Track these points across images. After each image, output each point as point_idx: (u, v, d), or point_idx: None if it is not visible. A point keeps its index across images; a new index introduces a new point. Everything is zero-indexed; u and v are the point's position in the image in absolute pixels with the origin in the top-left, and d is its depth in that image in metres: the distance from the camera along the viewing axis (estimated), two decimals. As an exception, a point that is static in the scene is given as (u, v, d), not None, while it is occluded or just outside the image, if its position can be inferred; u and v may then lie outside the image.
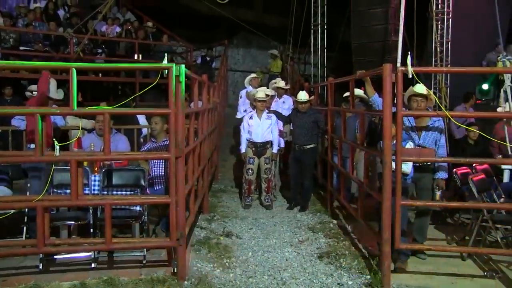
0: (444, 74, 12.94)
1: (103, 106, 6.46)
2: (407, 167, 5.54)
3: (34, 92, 6.93)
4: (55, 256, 5.38)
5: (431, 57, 13.39)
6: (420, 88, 5.62)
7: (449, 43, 13.40)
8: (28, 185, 5.96)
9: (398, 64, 8.60)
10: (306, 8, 15.40)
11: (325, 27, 15.53)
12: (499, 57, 8.69)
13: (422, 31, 13.81)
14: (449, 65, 13.22)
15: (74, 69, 4.64)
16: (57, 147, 4.69)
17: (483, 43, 12.76)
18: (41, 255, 5.15)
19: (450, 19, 13.40)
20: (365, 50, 14.36)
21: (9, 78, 10.86)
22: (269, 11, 19.45)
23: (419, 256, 5.97)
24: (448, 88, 13.23)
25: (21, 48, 11.73)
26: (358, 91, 7.82)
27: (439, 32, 13.44)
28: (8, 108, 7.67)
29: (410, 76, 4.92)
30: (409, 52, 5.25)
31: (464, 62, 11.69)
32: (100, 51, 13.03)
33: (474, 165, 6.73)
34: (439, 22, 13.46)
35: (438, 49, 13.43)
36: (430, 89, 12.59)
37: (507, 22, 14.13)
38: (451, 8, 13.33)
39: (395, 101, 5.08)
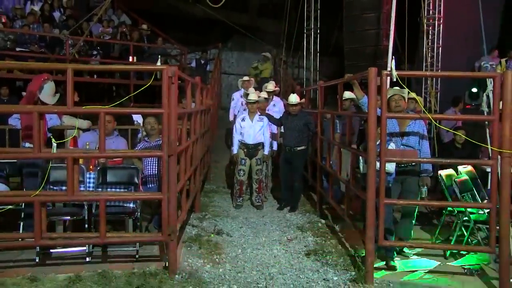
0: (434, 78, 13.20)
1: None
2: (391, 167, 5.76)
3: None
4: (51, 250, 5.57)
5: (423, 62, 13.68)
6: (396, 88, 5.82)
7: (440, 48, 13.68)
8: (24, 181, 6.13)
9: (388, 68, 8.80)
10: (300, 12, 15.60)
11: (318, 31, 15.74)
12: (482, 63, 8.94)
13: (414, 36, 14.08)
14: (439, 70, 13.49)
15: (71, 70, 4.82)
16: (54, 145, 4.87)
17: (475, 48, 12.98)
18: (38, 249, 5.34)
19: (441, 25, 13.69)
20: (358, 54, 14.62)
21: (5, 78, 11.00)
22: (264, 15, 19.65)
23: (404, 253, 6.18)
24: (439, 93, 13.52)
25: (17, 49, 11.86)
26: (350, 94, 8.04)
27: (430, 37, 13.73)
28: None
29: (394, 80, 5.14)
30: (393, 57, 5.45)
31: (455, 66, 11.90)
32: (95, 52, 13.21)
33: (458, 167, 6.95)
34: (430, 28, 13.74)
35: (429, 54, 13.72)
36: (421, 94, 12.94)
37: (498, 27, 14.42)
38: (442, 14, 13.62)
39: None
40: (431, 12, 13.69)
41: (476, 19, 11.49)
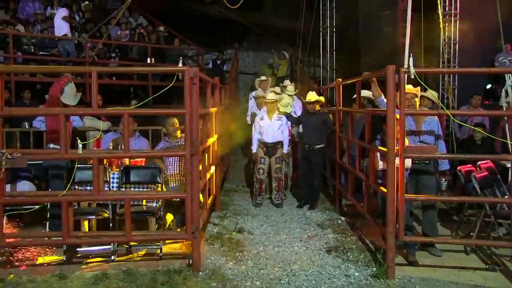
0: (451, 75, 13.15)
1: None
2: (408, 163, 5.81)
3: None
4: (77, 249, 5.71)
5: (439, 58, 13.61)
6: (408, 87, 5.85)
7: (457, 44, 13.61)
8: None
9: (405, 66, 8.81)
10: (315, 10, 15.60)
11: (334, 30, 15.72)
12: (500, 58, 8.91)
13: (430, 32, 14.02)
14: (456, 66, 13.44)
15: (96, 72, 4.94)
16: (80, 146, 4.99)
17: (491, 44, 12.87)
18: (65, 247, 5.48)
19: (458, 21, 13.61)
20: (374, 52, 14.58)
21: (28, 82, 11.22)
22: (278, 14, 19.66)
23: (433, 252, 6.18)
24: (456, 89, 13.46)
25: (40, 53, 12.10)
26: (366, 93, 8.06)
27: (446, 34, 13.67)
28: (15, 108, 7.98)
29: (413, 77, 5.18)
30: (410, 54, 5.48)
31: (472, 62, 11.84)
32: (113, 55, 13.38)
33: (478, 163, 6.96)
34: (446, 24, 13.67)
35: (446, 50, 13.66)
36: (438, 90, 12.90)
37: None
38: (458, 10, 13.54)
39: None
40: (447, 9, 13.61)
41: (492, 14, 11.43)
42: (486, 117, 9.67)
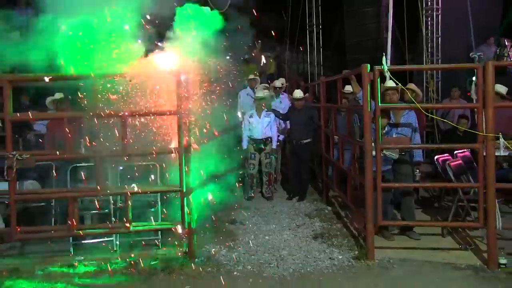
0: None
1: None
2: (395, 153, 6.34)
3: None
4: (82, 241, 6.18)
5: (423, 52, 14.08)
6: (390, 83, 6.33)
7: (439, 38, 14.08)
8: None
9: (388, 62, 9.29)
10: (302, 8, 15.95)
11: (320, 27, 16.11)
12: (471, 54, 9.39)
13: (413, 27, 14.46)
14: (439, 60, 13.93)
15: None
16: (82, 145, 5.46)
17: (474, 37, 13.28)
18: (71, 239, 5.96)
19: (440, 15, 14.07)
20: (359, 48, 15.01)
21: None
22: (265, 11, 19.91)
23: (412, 236, 6.64)
24: (440, 82, 13.94)
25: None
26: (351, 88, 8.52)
27: (429, 28, 14.13)
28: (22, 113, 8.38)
29: (386, 75, 5.68)
30: (383, 53, 5.96)
31: (456, 56, 12.24)
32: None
33: (455, 152, 7.44)
34: (429, 19, 14.14)
35: (429, 45, 14.14)
36: (422, 84, 13.38)
37: (499, 17, 14.67)
38: (440, 5, 13.99)
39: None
40: (429, 3, 14.06)
41: (474, 8, 11.87)
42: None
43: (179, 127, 5.68)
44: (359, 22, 15.09)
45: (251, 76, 10.90)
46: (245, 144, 9.37)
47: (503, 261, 5.44)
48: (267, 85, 10.59)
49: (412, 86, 7.75)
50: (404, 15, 13.49)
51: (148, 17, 6.18)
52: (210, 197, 7.09)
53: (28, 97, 10.89)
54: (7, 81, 5.42)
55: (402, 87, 6.37)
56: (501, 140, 5.69)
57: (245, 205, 8.84)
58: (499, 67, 6.59)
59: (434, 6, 14.00)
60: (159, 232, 6.39)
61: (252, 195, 9.36)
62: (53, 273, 5.58)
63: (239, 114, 11.12)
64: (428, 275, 5.38)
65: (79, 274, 5.56)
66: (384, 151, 6.02)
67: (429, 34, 14.09)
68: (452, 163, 6.99)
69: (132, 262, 5.77)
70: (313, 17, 15.91)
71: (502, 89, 7.92)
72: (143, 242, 6.41)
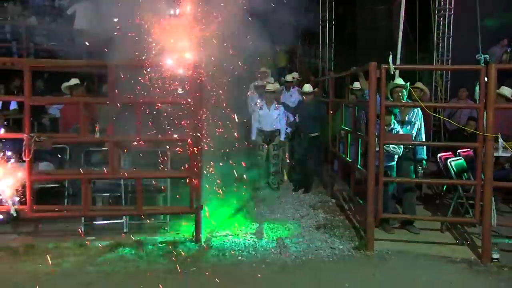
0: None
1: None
2: (399, 149, 6.56)
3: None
4: (94, 222, 6.46)
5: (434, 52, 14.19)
6: (398, 80, 6.54)
7: (450, 39, 14.20)
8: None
9: (398, 61, 9.47)
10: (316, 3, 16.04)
11: (333, 22, 16.23)
12: (477, 56, 9.48)
13: (426, 26, 14.56)
14: (450, 60, 14.06)
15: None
16: (97, 130, 5.73)
17: (487, 38, 13.30)
18: (83, 220, 6.24)
19: (452, 16, 14.18)
20: (371, 45, 15.13)
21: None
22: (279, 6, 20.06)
23: (411, 230, 6.86)
24: (449, 82, 14.07)
25: (51, 44, 12.70)
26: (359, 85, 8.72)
27: (440, 28, 14.25)
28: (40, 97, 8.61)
29: (392, 73, 5.88)
30: (390, 53, 6.14)
31: (466, 56, 12.32)
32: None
33: (458, 151, 7.63)
34: (441, 19, 14.25)
35: (440, 45, 14.26)
36: (431, 83, 13.51)
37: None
38: (453, 5, 14.09)
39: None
40: (442, 3, 14.17)
41: (487, 9, 11.93)
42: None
43: (193, 115, 5.92)
44: (371, 20, 15.21)
45: (262, 69, 11.08)
46: (253, 136, 9.59)
47: (496, 255, 5.67)
48: (272, 78, 10.75)
49: (419, 84, 7.97)
50: (417, 14, 13.62)
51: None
52: (218, 185, 7.34)
53: (43, 82, 11.16)
54: (27, 65, 5.67)
55: (409, 86, 6.57)
56: (500, 140, 5.88)
57: (251, 195, 9.05)
58: (503, 69, 6.74)
59: (447, 6, 14.12)
60: (168, 216, 6.66)
61: (259, 185, 9.57)
62: (66, 251, 5.86)
63: (250, 106, 11.33)
64: (424, 267, 5.61)
65: (90, 253, 5.85)
66: (385, 147, 6.22)
67: (441, 34, 14.22)
68: (453, 161, 7.19)
69: (141, 243, 6.05)
70: (326, 12, 16.02)
71: (507, 91, 8.11)
72: (152, 226, 6.69)
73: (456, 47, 14.03)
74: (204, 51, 6.03)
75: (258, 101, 9.98)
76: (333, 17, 16.08)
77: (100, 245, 6.02)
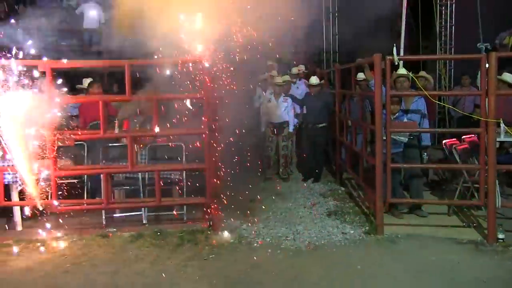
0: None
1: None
2: (404, 137, 6.81)
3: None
4: (114, 215, 6.75)
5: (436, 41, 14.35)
6: (401, 70, 6.77)
7: (453, 27, 14.35)
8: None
9: (402, 51, 9.70)
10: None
11: (337, 14, 16.36)
12: (478, 44, 9.72)
13: (429, 15, 14.71)
14: (452, 49, 14.24)
15: (128, 65, 5.92)
16: (116, 126, 6.00)
17: (488, 26, 13.42)
18: (104, 213, 6.53)
19: (454, 4, 14.33)
20: (375, 37, 15.27)
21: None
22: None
23: (419, 214, 7.11)
24: (453, 70, 14.24)
25: (62, 43, 12.99)
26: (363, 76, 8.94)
27: (443, 17, 14.41)
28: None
29: (396, 63, 6.12)
30: (394, 44, 6.38)
31: (469, 44, 12.47)
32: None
33: (463, 137, 7.86)
34: (443, 8, 14.41)
35: (443, 33, 14.42)
36: (435, 72, 13.71)
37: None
38: (454, -6, 14.24)
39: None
40: (443, -7, 14.30)
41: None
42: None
43: (206, 109, 6.18)
44: (374, 11, 15.33)
45: (270, 62, 11.26)
46: (263, 128, 9.82)
47: (501, 236, 5.92)
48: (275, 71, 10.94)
49: (423, 73, 8.20)
50: (419, 2, 13.78)
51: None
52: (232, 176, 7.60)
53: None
54: (49, 67, 5.95)
55: (413, 76, 6.81)
56: (502, 125, 6.12)
57: (262, 186, 9.32)
58: (504, 57, 6.95)
59: (449, -5, 14.25)
60: (185, 207, 6.94)
61: (270, 176, 9.83)
62: (90, 242, 6.16)
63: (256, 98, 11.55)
64: (432, 248, 5.86)
65: (113, 243, 6.14)
66: (392, 135, 6.46)
67: (443, 23, 14.37)
68: (458, 147, 7.43)
69: (160, 233, 6.33)
70: (330, 3, 16.13)
71: (509, 77, 8.31)
72: (170, 217, 6.97)
73: (458, 35, 14.19)
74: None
75: (265, 93, 10.16)
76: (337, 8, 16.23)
77: (123, 236, 6.31)
